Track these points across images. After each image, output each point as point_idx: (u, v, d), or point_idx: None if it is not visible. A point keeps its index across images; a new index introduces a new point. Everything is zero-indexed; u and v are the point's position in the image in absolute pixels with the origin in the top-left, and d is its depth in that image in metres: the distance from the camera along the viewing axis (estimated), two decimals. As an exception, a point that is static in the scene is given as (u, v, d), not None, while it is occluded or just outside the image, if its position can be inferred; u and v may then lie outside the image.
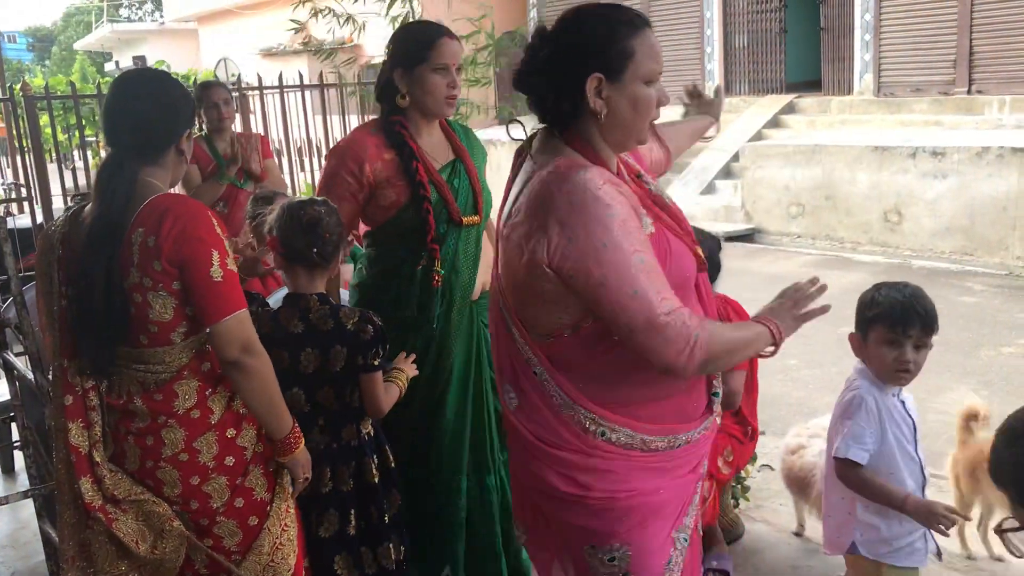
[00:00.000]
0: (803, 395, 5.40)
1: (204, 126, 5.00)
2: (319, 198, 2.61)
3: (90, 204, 2.16)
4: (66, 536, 2.20)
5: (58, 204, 6.56)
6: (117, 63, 32.12)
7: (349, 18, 6.16)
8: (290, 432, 2.23)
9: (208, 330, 2.08)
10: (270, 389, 2.16)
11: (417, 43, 2.65)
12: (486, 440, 2.90)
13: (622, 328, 1.73)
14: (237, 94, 6.64)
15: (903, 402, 2.56)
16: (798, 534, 3.56)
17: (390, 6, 5.93)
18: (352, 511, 2.55)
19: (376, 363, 2.48)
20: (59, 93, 6.91)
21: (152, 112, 2.14)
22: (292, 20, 6.59)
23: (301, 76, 6.94)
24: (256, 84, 6.94)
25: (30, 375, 2.86)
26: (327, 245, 2.48)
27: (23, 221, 6.82)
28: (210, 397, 2.16)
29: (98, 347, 2.10)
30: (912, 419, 2.57)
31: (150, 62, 25.60)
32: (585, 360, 1.84)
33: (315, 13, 6.12)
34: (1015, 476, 1.61)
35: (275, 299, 2.79)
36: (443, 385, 2.83)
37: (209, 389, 2.16)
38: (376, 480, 2.56)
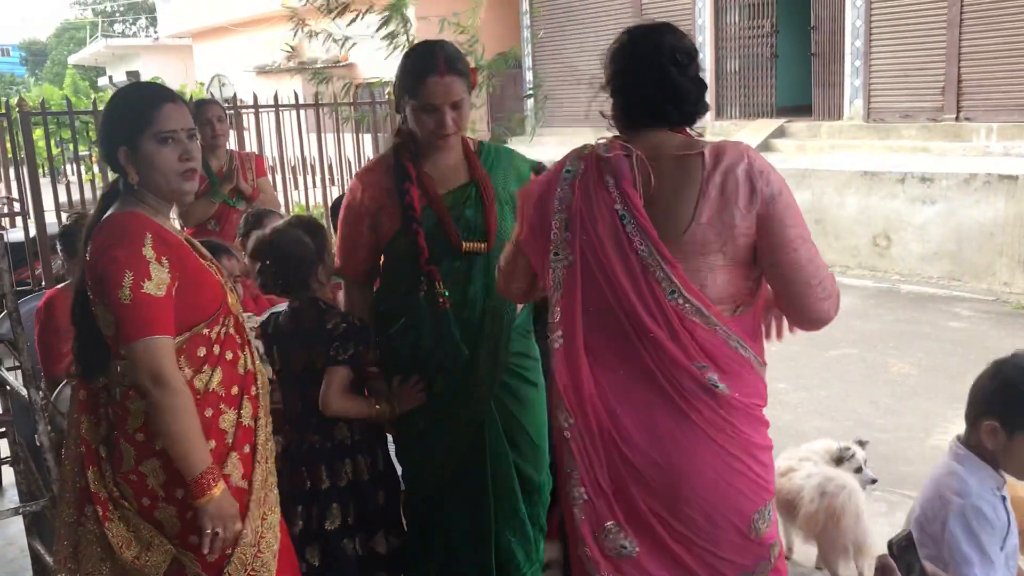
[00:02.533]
0: (791, 419, 5.42)
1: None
2: (296, 220, 2.75)
3: None
4: (62, 535, 2.21)
5: (51, 219, 6.57)
6: (111, 78, 32.13)
7: (345, 40, 6.21)
8: (203, 473, 2.05)
9: (121, 351, 2.04)
10: (178, 425, 2.02)
11: (409, 76, 2.57)
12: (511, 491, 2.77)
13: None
14: (232, 112, 6.67)
15: (1004, 498, 2.15)
16: (787, 557, 3.58)
17: (381, 27, 5.97)
18: (350, 504, 2.67)
19: (340, 357, 2.57)
20: (53, 108, 6.91)
21: (99, 132, 2.19)
22: (286, 44, 6.63)
23: (297, 96, 6.98)
24: (250, 102, 6.97)
25: (23, 391, 2.86)
26: (293, 275, 2.63)
27: (15, 235, 6.83)
28: None
29: (84, 352, 2.17)
30: (1009, 516, 2.15)
31: (144, 78, 25.66)
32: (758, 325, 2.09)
33: (311, 35, 6.17)
34: (997, 399, 2.01)
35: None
36: (473, 437, 2.69)
37: None
38: (367, 478, 2.69)
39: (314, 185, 7.57)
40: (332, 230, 4.50)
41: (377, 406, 2.63)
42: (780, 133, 12.81)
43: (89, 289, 2.09)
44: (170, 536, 2.13)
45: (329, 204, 6.06)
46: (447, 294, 2.56)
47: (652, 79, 2.03)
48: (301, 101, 7.07)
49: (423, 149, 2.63)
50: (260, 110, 6.84)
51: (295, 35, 6.25)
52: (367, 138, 7.50)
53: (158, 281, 2.02)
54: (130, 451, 2.11)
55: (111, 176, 2.29)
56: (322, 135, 7.16)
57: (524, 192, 2.18)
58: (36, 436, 2.82)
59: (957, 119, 11.00)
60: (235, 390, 2.19)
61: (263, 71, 19.26)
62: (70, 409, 2.24)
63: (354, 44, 6.21)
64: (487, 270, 2.57)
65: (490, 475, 2.69)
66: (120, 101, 2.20)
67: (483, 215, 2.62)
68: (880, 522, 3.74)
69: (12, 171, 6.43)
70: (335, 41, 6.17)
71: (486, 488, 2.70)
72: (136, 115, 2.11)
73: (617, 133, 2.14)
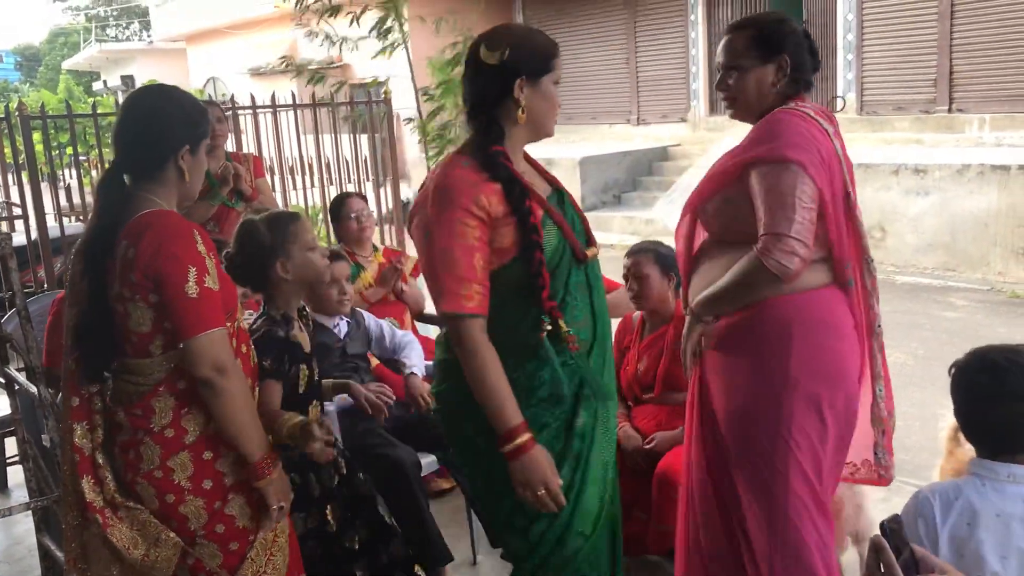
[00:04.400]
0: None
1: None
2: (269, 215, 2.67)
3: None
4: (70, 537, 2.24)
5: (51, 223, 6.60)
6: (105, 82, 32.09)
7: (343, 40, 6.24)
8: (264, 457, 2.18)
9: (181, 346, 2.08)
10: (241, 411, 2.13)
11: (543, 50, 2.18)
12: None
13: None
14: (229, 113, 6.71)
15: None
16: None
17: (376, 27, 6.00)
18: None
19: (264, 363, 2.47)
20: (51, 112, 6.94)
21: (142, 128, 2.17)
22: (282, 59, 6.63)
23: (294, 96, 7.01)
24: (247, 103, 7.01)
25: (32, 388, 2.90)
26: (249, 265, 2.58)
27: (17, 239, 6.85)
28: (184, 416, 2.15)
29: (90, 354, 2.16)
30: None
31: (139, 81, 25.67)
32: None
33: (310, 34, 6.20)
34: (966, 391, 2.06)
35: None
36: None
37: (184, 408, 2.15)
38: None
39: (312, 185, 7.59)
40: (330, 231, 4.52)
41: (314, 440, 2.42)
42: (774, 127, 12.85)
43: (129, 287, 2.08)
44: (196, 528, 2.16)
45: (327, 204, 6.10)
46: (572, 331, 2.17)
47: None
48: (298, 102, 7.11)
49: (514, 154, 2.21)
50: (257, 111, 6.87)
51: (297, 18, 6.25)
52: (363, 138, 7.53)
53: (213, 276, 2.10)
54: (155, 449, 2.13)
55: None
56: (319, 135, 7.20)
57: (805, 148, 2.31)
58: (45, 434, 2.86)
59: (949, 111, 11.06)
60: (248, 382, 2.24)
61: (257, 73, 19.28)
62: (63, 417, 2.24)
63: (354, 47, 6.25)
64: (598, 277, 2.33)
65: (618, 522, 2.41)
66: (184, 102, 2.23)
67: (580, 218, 2.33)
68: (879, 508, 3.79)
69: (12, 175, 6.45)
70: (333, 43, 6.20)
71: (616, 537, 2.40)
72: (203, 120, 2.23)
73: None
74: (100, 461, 2.17)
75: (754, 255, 2.26)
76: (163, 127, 2.16)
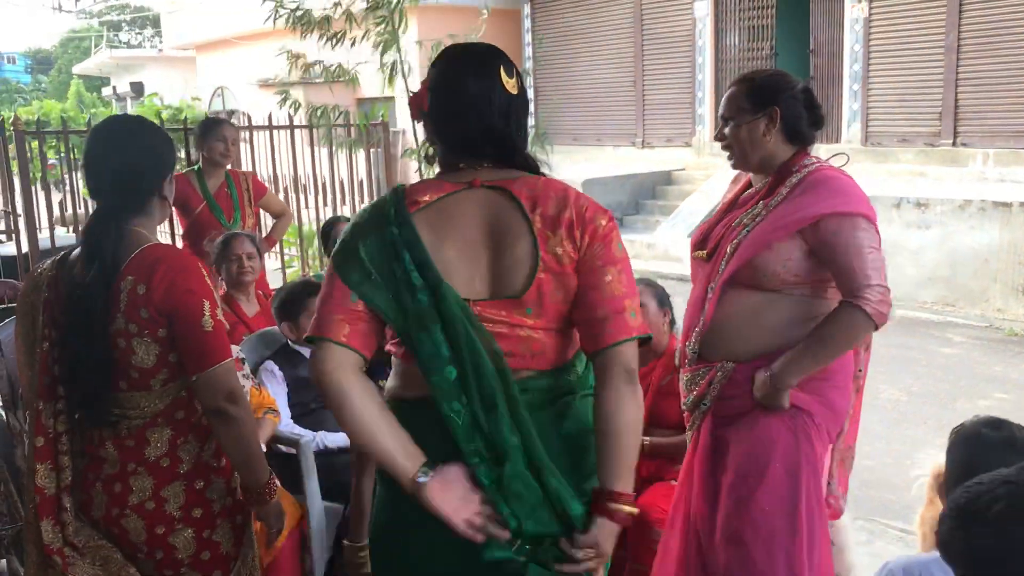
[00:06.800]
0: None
1: (202, 158, 5.06)
2: None
3: (77, 250, 2.20)
4: (32, 574, 2.22)
5: (44, 235, 6.60)
6: (114, 88, 32.24)
7: (338, 69, 6.24)
8: (269, 480, 2.24)
9: (194, 379, 2.10)
10: (250, 438, 2.18)
11: None
12: None
13: None
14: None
15: None
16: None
17: (378, 51, 6.00)
18: None
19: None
20: (53, 123, 6.96)
21: (133, 163, 2.18)
22: (282, 90, 6.62)
23: (290, 117, 7.01)
24: (253, 115, 7.03)
25: (1, 414, 2.87)
26: None
27: (7, 250, 6.86)
28: (181, 446, 2.18)
29: (87, 392, 2.12)
30: None
31: (148, 88, 25.78)
32: None
33: (306, 68, 6.21)
34: (966, 558, 1.53)
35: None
36: None
37: (181, 438, 2.18)
38: None
39: (306, 206, 7.58)
40: (323, 254, 4.50)
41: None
42: (778, 155, 12.84)
43: (138, 323, 2.08)
44: (183, 558, 2.18)
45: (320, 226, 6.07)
46: None
47: None
48: (303, 112, 7.09)
49: None
50: (255, 130, 6.87)
51: (290, 66, 6.30)
52: (360, 156, 7.53)
53: (221, 308, 2.18)
54: (148, 481, 2.15)
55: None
56: (334, 151, 7.20)
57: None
58: (16, 459, 2.83)
59: (954, 144, 11.03)
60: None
61: (266, 84, 19.32)
62: (27, 457, 2.22)
63: (354, 75, 6.24)
64: None
65: None
66: (161, 134, 2.33)
67: None
68: (861, 552, 3.73)
69: (6, 186, 6.46)
70: (336, 78, 6.21)
71: None
72: (171, 148, 2.33)
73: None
74: (67, 504, 2.15)
75: (851, 307, 2.37)
76: (148, 162, 2.20)
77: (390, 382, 1.95)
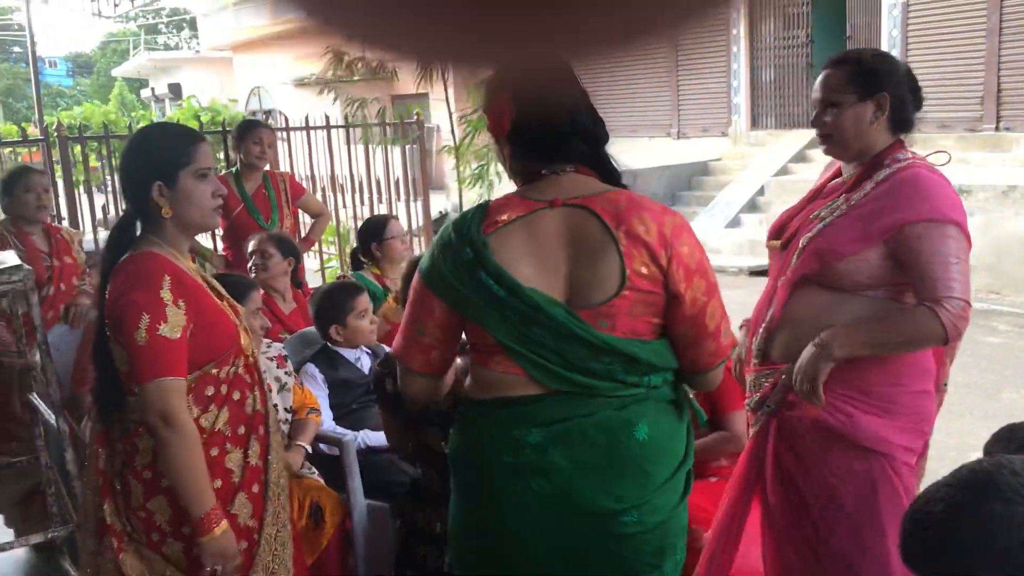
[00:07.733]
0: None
1: (239, 160, 5.12)
2: None
3: None
4: (85, 563, 2.30)
5: (87, 238, 6.69)
6: (153, 90, 32.61)
7: (379, 66, 6.26)
8: (207, 513, 2.11)
9: (136, 391, 2.10)
10: (185, 465, 2.08)
11: None
12: None
13: None
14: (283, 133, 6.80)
15: None
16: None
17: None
18: None
19: None
20: (94, 127, 7.07)
21: (125, 171, 2.24)
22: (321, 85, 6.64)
23: (327, 117, 7.06)
24: (290, 115, 7.09)
25: (51, 417, 2.94)
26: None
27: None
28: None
29: (103, 386, 2.22)
30: None
31: (185, 90, 26.06)
32: None
33: (349, 65, 6.23)
34: (924, 564, 1.52)
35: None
36: None
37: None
38: None
39: (343, 205, 7.62)
40: (360, 252, 4.50)
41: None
42: (815, 144, 12.66)
43: (107, 328, 2.16)
44: (180, 571, 2.19)
45: (357, 224, 6.09)
46: None
47: None
48: (340, 104, 7.10)
49: None
50: (291, 131, 6.93)
51: (334, 65, 6.32)
52: (396, 152, 7.54)
53: (173, 324, 2.08)
54: (138, 488, 2.17)
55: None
56: (352, 150, 7.22)
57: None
58: (65, 463, 2.89)
59: (997, 129, 10.84)
60: (242, 430, 2.24)
61: (302, 83, 19.44)
62: (89, 441, 2.31)
63: (394, 69, 6.25)
64: None
65: None
66: (152, 139, 2.29)
67: None
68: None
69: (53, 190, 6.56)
70: (377, 74, 6.24)
71: None
72: (174, 152, 2.19)
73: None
74: (118, 487, 2.21)
75: (929, 312, 2.19)
76: (134, 167, 2.21)
77: (467, 384, 2.03)
